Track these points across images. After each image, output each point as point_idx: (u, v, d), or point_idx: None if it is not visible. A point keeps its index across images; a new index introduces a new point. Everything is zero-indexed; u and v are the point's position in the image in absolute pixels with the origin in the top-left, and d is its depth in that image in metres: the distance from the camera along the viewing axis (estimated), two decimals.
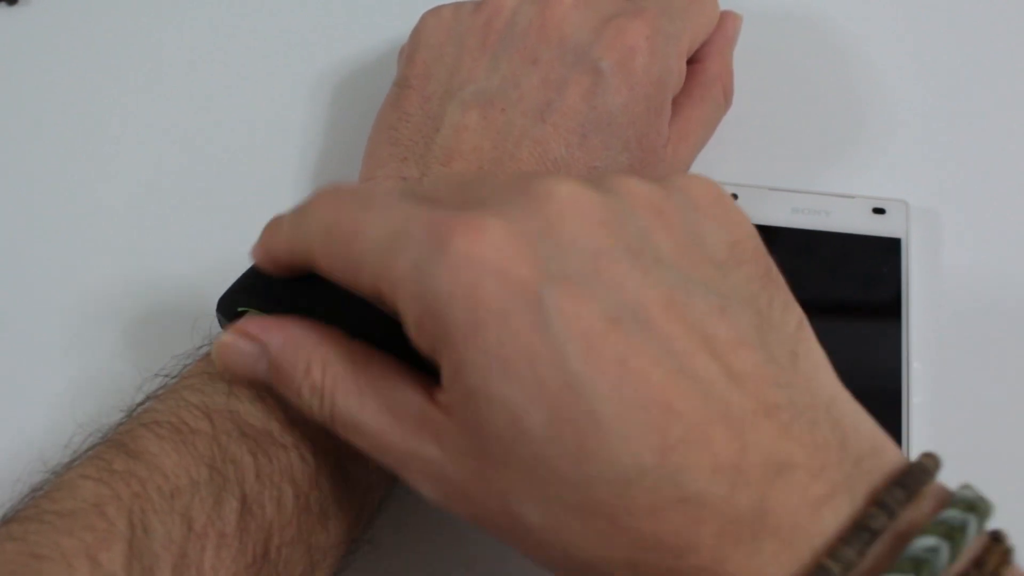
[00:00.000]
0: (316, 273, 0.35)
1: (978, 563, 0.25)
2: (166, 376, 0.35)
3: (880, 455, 0.26)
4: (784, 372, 0.26)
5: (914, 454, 0.38)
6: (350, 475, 0.33)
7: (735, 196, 0.44)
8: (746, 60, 0.47)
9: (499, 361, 0.25)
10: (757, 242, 0.29)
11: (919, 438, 0.39)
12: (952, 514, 0.25)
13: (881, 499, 0.25)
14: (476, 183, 0.30)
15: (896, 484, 0.25)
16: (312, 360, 0.30)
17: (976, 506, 0.25)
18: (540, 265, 0.26)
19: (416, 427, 0.28)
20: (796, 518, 0.25)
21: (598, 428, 0.25)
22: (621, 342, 0.25)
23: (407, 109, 0.41)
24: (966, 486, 0.26)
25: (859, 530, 0.25)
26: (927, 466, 0.26)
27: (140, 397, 0.34)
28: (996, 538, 0.26)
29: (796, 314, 0.28)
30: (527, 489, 0.26)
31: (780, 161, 0.47)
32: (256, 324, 0.32)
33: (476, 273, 0.25)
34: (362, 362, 0.30)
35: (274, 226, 0.33)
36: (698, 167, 0.45)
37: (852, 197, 0.44)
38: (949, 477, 0.28)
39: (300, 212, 0.31)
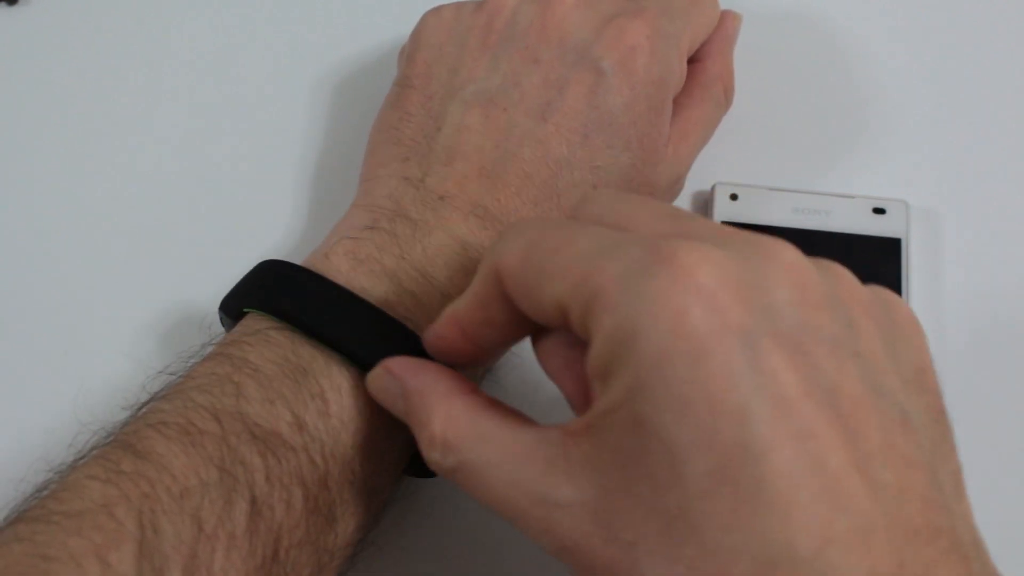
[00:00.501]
0: (332, 281, 0.35)
1: None
2: (171, 375, 0.34)
3: None
4: (949, 502, 0.26)
5: None
6: (358, 477, 0.33)
7: (735, 196, 0.44)
8: (746, 60, 0.47)
9: (680, 398, 0.23)
10: (937, 380, 0.28)
11: None
12: None
13: None
14: (687, 218, 0.28)
15: None
16: (434, 412, 0.29)
17: None
18: (754, 314, 0.24)
19: (546, 469, 0.26)
20: None
21: (760, 497, 0.23)
22: (811, 417, 0.24)
23: (408, 109, 0.41)
24: None
25: None
26: None
27: (144, 396, 0.34)
28: None
29: (957, 461, 0.28)
30: (660, 544, 0.24)
31: (780, 161, 0.47)
32: (399, 363, 0.32)
33: (691, 296, 0.24)
34: (486, 411, 0.29)
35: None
36: (698, 167, 0.45)
37: (852, 197, 0.44)
38: None
39: (500, 236, 0.30)
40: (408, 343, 0.34)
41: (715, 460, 0.23)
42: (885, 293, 0.29)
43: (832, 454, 0.24)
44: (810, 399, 0.24)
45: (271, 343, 0.34)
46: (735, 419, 0.23)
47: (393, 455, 0.35)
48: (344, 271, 0.36)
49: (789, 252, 0.26)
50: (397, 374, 0.31)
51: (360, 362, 0.33)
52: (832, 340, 0.25)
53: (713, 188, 0.45)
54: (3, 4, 0.52)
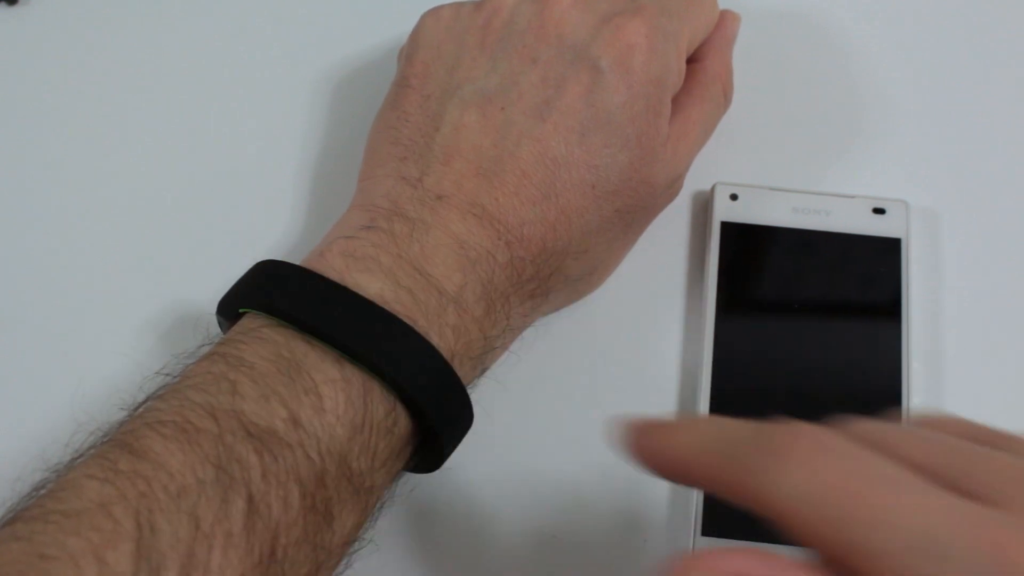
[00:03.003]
0: (324, 276, 0.35)
1: None
2: (167, 375, 0.34)
3: None
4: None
5: None
6: (355, 474, 0.33)
7: (735, 196, 0.44)
8: (746, 59, 0.47)
9: None
10: None
11: None
12: None
13: None
14: None
15: None
16: None
17: None
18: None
19: None
20: None
21: None
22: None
23: (407, 109, 0.41)
24: None
25: None
26: None
27: (141, 396, 0.34)
28: None
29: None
30: None
31: (780, 161, 0.47)
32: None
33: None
34: None
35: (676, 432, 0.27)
36: (698, 167, 0.45)
37: (852, 197, 0.44)
38: None
39: (765, 455, 0.25)
40: (401, 335, 0.34)
41: None
42: None
43: None
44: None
45: (265, 340, 0.34)
46: None
47: (390, 450, 0.34)
48: (338, 268, 0.36)
49: None
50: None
51: (353, 354, 0.33)
52: None
53: (713, 188, 0.45)
54: (3, 4, 0.52)
